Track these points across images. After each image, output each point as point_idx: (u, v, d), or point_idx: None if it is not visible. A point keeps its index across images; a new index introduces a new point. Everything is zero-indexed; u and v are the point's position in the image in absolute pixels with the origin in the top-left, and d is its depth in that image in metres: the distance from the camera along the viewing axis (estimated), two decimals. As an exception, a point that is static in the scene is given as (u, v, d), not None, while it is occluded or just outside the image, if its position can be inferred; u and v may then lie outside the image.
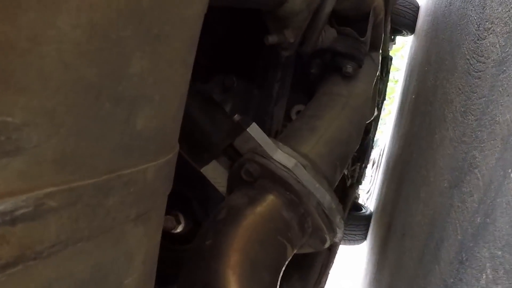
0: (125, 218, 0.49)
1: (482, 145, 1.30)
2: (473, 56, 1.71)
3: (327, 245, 1.18)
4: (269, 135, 1.42)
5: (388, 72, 4.74)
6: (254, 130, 1.08)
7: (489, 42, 1.51)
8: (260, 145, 1.07)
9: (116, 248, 0.49)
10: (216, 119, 1.10)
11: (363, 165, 5.09)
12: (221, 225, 0.99)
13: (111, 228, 0.47)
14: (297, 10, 1.12)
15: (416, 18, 5.43)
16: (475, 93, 1.54)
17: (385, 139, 7.56)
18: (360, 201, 7.29)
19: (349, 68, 1.39)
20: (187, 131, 1.10)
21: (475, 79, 1.58)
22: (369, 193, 7.75)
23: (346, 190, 3.50)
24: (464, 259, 1.22)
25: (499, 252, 0.97)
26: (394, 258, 2.66)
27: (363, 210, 6.02)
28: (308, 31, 1.16)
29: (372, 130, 4.94)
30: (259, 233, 1.01)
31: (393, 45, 6.19)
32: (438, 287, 1.41)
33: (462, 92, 1.77)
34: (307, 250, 1.20)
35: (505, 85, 1.19)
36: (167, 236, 1.49)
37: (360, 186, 5.95)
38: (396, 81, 8.50)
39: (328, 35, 1.27)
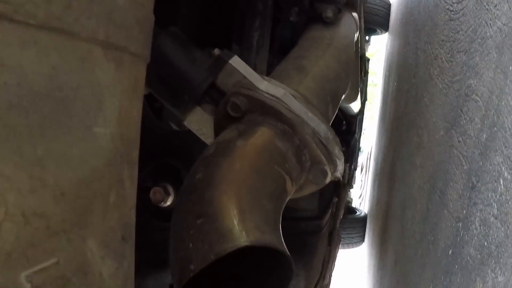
0: (91, 34, 0.42)
1: (476, 69, 1.25)
2: (452, 3, 1.68)
3: (328, 179, 1.10)
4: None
5: (366, 73, 4.74)
6: (236, 62, 1.00)
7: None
8: (245, 77, 1.00)
9: (80, 71, 0.42)
10: (195, 58, 1.03)
11: (352, 166, 5.05)
12: (210, 158, 0.91)
13: (72, 36, 0.40)
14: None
15: (389, 15, 5.47)
16: (459, 31, 1.50)
17: (370, 143, 7.54)
18: (353, 205, 7.22)
19: (329, 12, 1.33)
20: (165, 76, 1.03)
21: (456, 20, 1.54)
22: (361, 197, 7.70)
23: (339, 191, 3.44)
24: (475, 182, 1.15)
25: (513, 149, 0.91)
26: (397, 235, 2.59)
27: (358, 213, 5.96)
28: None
29: (357, 130, 4.92)
30: (255, 162, 0.92)
31: (369, 46, 6.21)
32: (450, 228, 1.34)
33: (445, 42, 1.73)
34: (309, 188, 1.11)
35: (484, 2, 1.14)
36: (158, 214, 1.40)
37: (351, 190, 5.90)
38: (375, 85, 8.52)
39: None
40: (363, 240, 5.79)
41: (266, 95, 1.00)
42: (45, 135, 0.41)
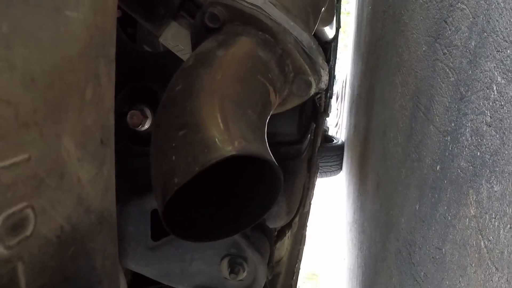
0: None
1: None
2: None
3: (313, 90, 1.06)
4: None
5: (339, 0, 4.64)
6: (211, -28, 0.94)
7: None
8: (220, -14, 0.94)
9: None
10: (167, -32, 0.96)
11: (328, 94, 5.02)
12: (190, 70, 0.86)
13: None
14: None
15: None
16: None
17: (345, 72, 7.50)
18: (330, 134, 7.26)
19: None
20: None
21: None
22: (337, 126, 7.73)
23: (315, 107, 3.41)
24: (464, 92, 1.12)
25: (508, 51, 0.86)
26: (378, 159, 2.58)
27: (335, 141, 5.99)
28: None
29: (332, 58, 4.85)
30: (237, 71, 0.88)
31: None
32: (437, 144, 1.32)
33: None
34: (293, 100, 1.07)
35: None
36: (136, 138, 1.35)
37: (327, 119, 5.91)
38: (348, 13, 8.41)
39: None
40: (341, 169, 5.85)
41: (245, 3, 0.95)
42: (10, 10, 0.36)
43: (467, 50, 1.10)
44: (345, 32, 8.35)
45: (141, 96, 1.29)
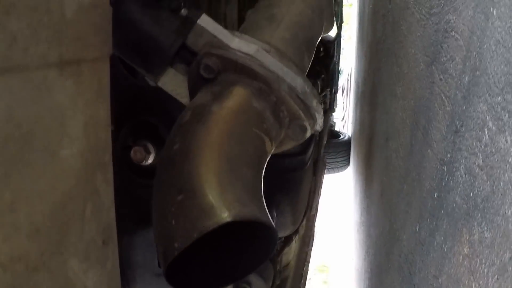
0: (43, 60, 0.38)
1: (454, 5, 1.19)
2: None
3: (308, 134, 1.07)
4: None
5: (340, -3, 4.62)
6: (205, 21, 0.94)
7: None
8: (215, 36, 0.94)
9: (37, 101, 0.38)
10: (162, 19, 0.96)
11: (333, 90, 5.01)
12: (187, 126, 0.87)
13: (21, 70, 0.36)
14: None
15: None
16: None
17: (350, 65, 7.47)
18: (336, 128, 7.24)
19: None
20: (133, 41, 0.97)
21: None
22: (344, 120, 7.71)
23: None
24: (459, 126, 1.12)
25: (498, 98, 0.86)
26: (381, 167, 2.59)
27: (341, 136, 5.98)
28: None
29: (335, 54, 4.84)
30: (231, 127, 0.89)
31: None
32: (434, 170, 1.32)
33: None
34: (289, 143, 1.08)
35: None
36: (141, 171, 1.37)
37: (334, 113, 5.89)
38: (351, 5, 8.36)
39: None
40: (348, 164, 5.84)
41: (238, 53, 0.95)
42: (11, 179, 0.38)
43: (461, 84, 1.10)
44: (348, 24, 8.31)
45: (143, 131, 1.31)
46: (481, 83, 0.96)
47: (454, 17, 1.18)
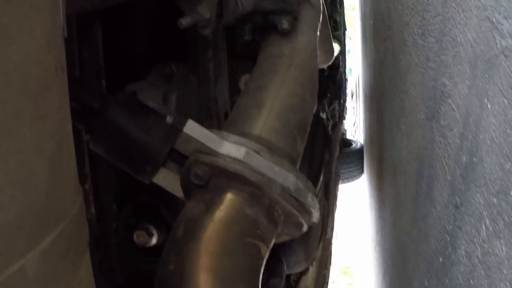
0: None
1: (449, 71, 1.15)
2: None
3: (305, 229, 1.04)
4: (218, 119, 1.27)
5: (342, 3, 4.56)
6: (191, 128, 0.92)
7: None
8: (202, 143, 0.92)
9: None
10: (148, 126, 0.94)
11: (342, 101, 4.96)
12: (181, 244, 0.86)
13: None
14: (202, -18, 0.95)
15: None
16: (428, 12, 1.38)
17: (358, 67, 7.41)
18: (348, 135, 7.19)
19: (285, 24, 1.21)
20: (121, 150, 0.96)
21: (426, -5, 1.42)
22: (355, 125, 7.65)
23: (327, 135, 3.37)
24: (459, 203, 1.08)
25: (495, 200, 0.83)
26: (392, 196, 2.55)
27: (353, 145, 5.93)
28: (223, 1, 0.99)
29: (341, 64, 4.79)
30: (225, 242, 0.88)
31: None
32: (439, 233, 1.28)
33: (415, 12, 1.60)
34: (284, 238, 1.06)
35: (458, 0, 1.03)
36: (144, 250, 1.37)
37: (344, 121, 5.84)
38: (353, 8, 8.30)
39: (246, -4, 1.09)
40: (362, 172, 5.79)
41: (227, 159, 0.93)
42: None
43: (460, 163, 1.07)
44: (353, 26, 8.25)
45: (144, 212, 1.31)
46: (478, 173, 0.93)
47: (450, 85, 1.14)
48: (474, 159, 0.95)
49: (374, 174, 4.01)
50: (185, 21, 0.99)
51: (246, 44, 1.41)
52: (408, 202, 1.90)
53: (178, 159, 0.98)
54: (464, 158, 1.03)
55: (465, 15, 0.97)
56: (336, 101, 4.79)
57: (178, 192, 1.04)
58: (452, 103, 1.13)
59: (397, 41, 2.15)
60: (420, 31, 1.52)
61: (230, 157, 0.93)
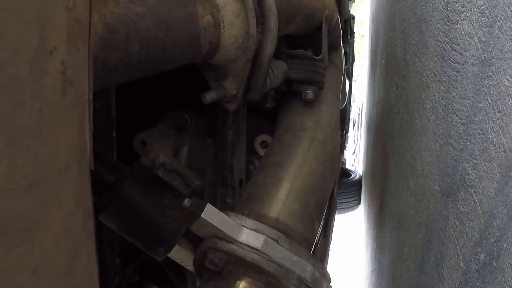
0: None
1: (475, 162, 1.14)
2: (445, 40, 1.53)
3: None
4: (232, 187, 1.25)
5: (352, 33, 4.56)
6: (209, 213, 0.90)
7: (463, 30, 1.33)
8: (220, 230, 0.90)
9: None
10: (164, 206, 0.92)
11: (344, 131, 4.95)
12: None
13: None
14: (232, 58, 0.93)
15: None
16: (456, 88, 1.37)
17: (362, 97, 7.41)
18: (348, 164, 7.18)
19: (310, 94, 1.21)
20: (134, 224, 0.94)
21: (453, 70, 1.41)
22: (354, 154, 7.65)
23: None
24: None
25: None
26: (393, 248, 2.53)
27: (352, 176, 5.92)
28: (252, 77, 0.98)
29: (344, 99, 4.78)
30: None
31: (353, 3, 5.97)
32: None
33: (439, 80, 1.60)
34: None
35: (494, 97, 1.02)
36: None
37: (345, 151, 5.83)
38: (362, 36, 8.32)
39: (277, 73, 1.08)
40: (359, 203, 5.78)
41: (245, 248, 0.92)
42: None
43: (478, 260, 1.05)
44: (360, 54, 8.26)
45: (149, 271, 1.29)
46: (497, 279, 0.91)
47: (474, 175, 1.13)
48: (494, 264, 0.94)
49: (373, 212, 3.99)
50: (209, 96, 0.98)
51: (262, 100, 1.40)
52: (412, 263, 1.89)
53: (192, 238, 0.97)
54: (483, 257, 1.02)
55: (501, 116, 0.96)
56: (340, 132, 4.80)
57: (189, 266, 1.02)
58: (474, 195, 1.12)
59: (412, 96, 2.14)
60: (443, 102, 1.51)
61: (248, 246, 0.92)
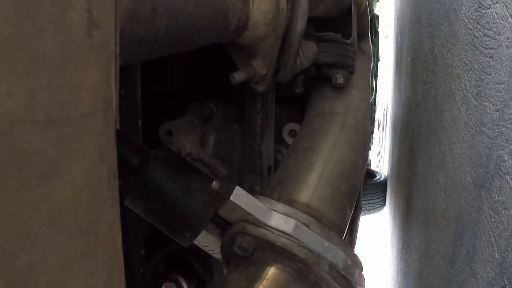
0: None
1: (511, 147, 1.10)
2: (476, 27, 1.49)
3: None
4: (261, 175, 1.22)
5: (377, 33, 4.51)
6: (238, 196, 0.87)
7: (496, 14, 1.29)
8: (249, 213, 0.88)
9: None
10: (191, 189, 0.89)
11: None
12: None
13: None
14: (261, 36, 0.90)
15: None
16: (489, 74, 1.32)
17: (387, 98, 7.34)
18: (373, 165, 7.11)
19: (340, 78, 1.17)
20: (160, 209, 0.91)
21: (486, 57, 1.36)
22: (379, 155, 7.57)
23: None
24: (507, 286, 1.02)
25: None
26: (421, 245, 2.48)
27: (377, 177, 5.85)
28: (281, 57, 0.95)
29: (372, 95, 4.73)
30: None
31: (377, 3, 5.92)
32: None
33: (470, 69, 1.55)
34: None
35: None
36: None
37: (369, 151, 5.77)
38: (387, 36, 8.26)
39: (307, 53, 1.05)
40: (384, 204, 5.72)
41: (275, 232, 0.89)
42: None
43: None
44: (384, 55, 8.18)
45: (174, 262, 1.27)
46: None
47: (510, 162, 1.09)
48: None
49: (399, 212, 3.93)
50: (238, 76, 0.95)
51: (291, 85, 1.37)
52: (441, 258, 1.84)
53: (220, 224, 0.94)
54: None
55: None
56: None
57: (215, 254, 1.00)
58: (511, 182, 1.07)
59: (441, 89, 2.10)
60: (475, 91, 1.47)
61: (278, 231, 0.89)
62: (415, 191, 2.88)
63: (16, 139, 0.29)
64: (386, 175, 5.93)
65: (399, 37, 4.84)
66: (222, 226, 0.93)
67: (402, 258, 3.35)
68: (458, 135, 1.68)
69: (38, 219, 0.32)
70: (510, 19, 1.17)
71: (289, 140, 1.40)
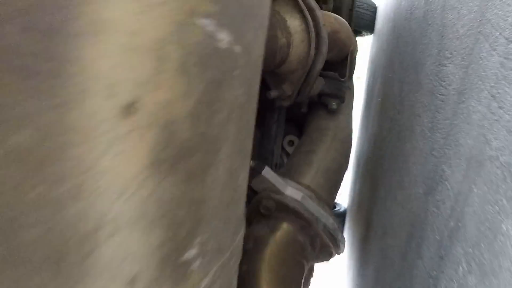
0: None
1: (449, 161, 1.59)
2: (435, 79, 2.01)
3: (333, 256, 1.47)
4: (271, 168, 1.70)
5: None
6: (267, 173, 1.34)
7: (449, 70, 1.80)
8: (273, 185, 1.34)
9: None
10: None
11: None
12: (251, 254, 1.27)
13: None
14: (293, 69, 1.38)
15: (375, 18, 5.62)
16: (440, 113, 1.83)
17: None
18: (334, 198, 7.54)
19: (334, 105, 1.66)
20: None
21: (439, 101, 1.87)
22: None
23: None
24: (443, 255, 1.50)
25: (470, 250, 1.25)
26: (377, 254, 2.94)
27: (337, 208, 6.28)
28: (302, 85, 1.43)
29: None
30: (283, 257, 1.28)
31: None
32: (423, 279, 1.70)
33: (428, 110, 2.06)
34: (316, 262, 1.48)
35: (465, 114, 1.48)
36: None
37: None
38: (359, 77, 8.75)
39: (317, 84, 1.54)
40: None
41: (289, 198, 1.35)
42: None
43: (448, 227, 1.49)
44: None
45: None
46: (461, 233, 1.35)
47: (448, 171, 1.58)
48: (459, 224, 1.38)
49: (357, 237, 4.40)
50: (273, 93, 1.43)
51: (294, 111, 1.84)
52: (395, 258, 2.31)
53: (248, 193, 1.40)
54: (452, 224, 1.46)
55: (469, 127, 1.42)
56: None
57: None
58: (448, 184, 1.56)
59: (405, 125, 2.60)
60: (430, 125, 1.97)
61: (291, 198, 1.36)
62: (374, 214, 3.35)
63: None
64: (346, 207, 6.38)
65: (372, 79, 5.36)
66: (249, 194, 1.39)
67: (359, 275, 3.80)
68: (415, 160, 2.18)
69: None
70: (457, 75, 1.68)
71: (288, 148, 1.88)
